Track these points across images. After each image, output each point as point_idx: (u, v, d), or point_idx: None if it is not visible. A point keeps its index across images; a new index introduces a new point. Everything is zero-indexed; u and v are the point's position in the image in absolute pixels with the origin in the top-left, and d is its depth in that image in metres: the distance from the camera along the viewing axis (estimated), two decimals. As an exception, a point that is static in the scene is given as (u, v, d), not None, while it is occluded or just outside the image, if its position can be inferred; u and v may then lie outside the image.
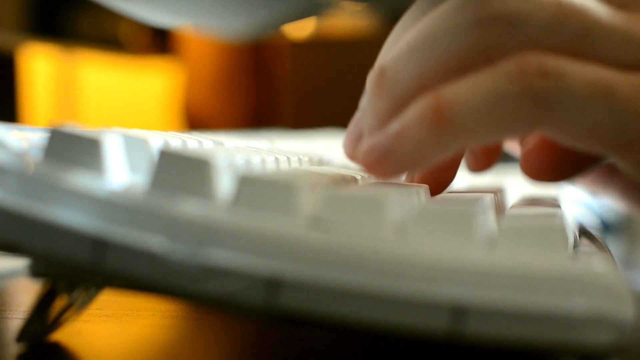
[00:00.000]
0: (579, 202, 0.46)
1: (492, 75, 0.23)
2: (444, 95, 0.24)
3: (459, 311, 0.19)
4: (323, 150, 0.39)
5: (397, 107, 0.25)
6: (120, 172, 0.23)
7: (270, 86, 1.72)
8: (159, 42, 1.75)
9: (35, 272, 0.22)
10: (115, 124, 0.31)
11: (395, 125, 0.24)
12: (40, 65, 1.63)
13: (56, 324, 0.25)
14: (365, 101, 0.26)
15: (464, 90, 0.23)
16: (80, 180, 0.21)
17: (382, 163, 0.24)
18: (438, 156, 0.24)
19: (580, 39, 0.24)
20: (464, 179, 0.40)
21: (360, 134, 0.27)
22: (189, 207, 0.21)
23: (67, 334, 0.26)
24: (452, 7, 0.25)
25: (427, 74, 0.25)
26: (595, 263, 0.20)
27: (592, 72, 0.23)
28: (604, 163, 0.27)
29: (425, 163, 0.24)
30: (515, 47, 0.24)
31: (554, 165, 0.27)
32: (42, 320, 0.25)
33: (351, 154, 0.28)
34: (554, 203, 0.30)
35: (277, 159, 0.27)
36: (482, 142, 0.24)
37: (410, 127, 0.24)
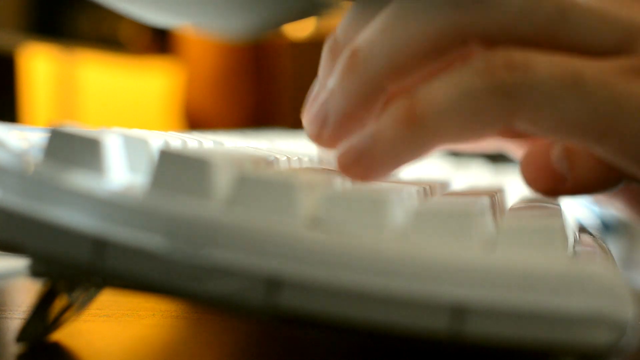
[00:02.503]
0: (579, 202, 0.46)
1: (460, 72, 0.23)
2: (415, 95, 0.24)
3: (459, 311, 0.19)
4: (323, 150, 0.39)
5: (369, 89, 0.25)
6: (120, 172, 0.23)
7: (270, 86, 1.72)
8: (159, 42, 1.75)
9: (35, 272, 0.22)
10: (115, 124, 0.30)
11: (369, 128, 0.24)
12: (40, 65, 1.63)
13: (56, 324, 0.25)
14: (333, 81, 0.26)
15: (434, 88, 0.23)
16: (80, 180, 0.21)
17: (358, 165, 0.24)
18: (413, 156, 0.24)
19: (555, 21, 0.24)
20: (464, 179, 0.40)
21: (326, 115, 0.26)
22: (188, 207, 0.21)
23: (67, 334, 0.26)
24: None
25: (401, 56, 0.24)
26: (595, 263, 0.20)
27: (559, 61, 0.23)
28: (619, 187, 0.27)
29: (401, 164, 0.24)
30: (490, 28, 0.24)
31: (553, 176, 0.28)
32: (42, 320, 0.25)
33: (317, 136, 0.27)
34: (554, 203, 0.30)
35: (277, 159, 0.27)
36: (458, 140, 0.24)
37: (384, 129, 0.24)
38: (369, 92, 0.25)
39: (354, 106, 0.25)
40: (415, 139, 0.24)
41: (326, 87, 0.26)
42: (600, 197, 0.35)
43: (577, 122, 0.23)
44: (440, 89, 0.23)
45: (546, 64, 0.23)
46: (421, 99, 0.23)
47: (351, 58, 0.25)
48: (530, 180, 0.28)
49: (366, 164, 0.24)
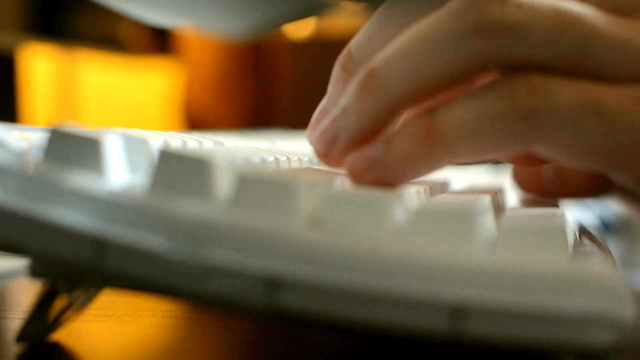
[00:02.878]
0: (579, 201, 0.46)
1: (482, 94, 0.24)
2: (436, 114, 0.24)
3: (459, 311, 0.19)
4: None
5: (385, 111, 0.24)
6: (120, 172, 0.23)
7: (270, 86, 1.72)
8: (159, 42, 1.75)
9: (35, 272, 0.22)
10: (115, 124, 0.31)
11: (385, 138, 0.24)
12: (40, 65, 1.63)
13: (56, 324, 0.25)
14: (346, 99, 0.25)
15: (455, 107, 0.24)
16: (80, 180, 0.21)
17: (369, 173, 0.24)
18: (425, 170, 0.24)
19: (579, 49, 0.24)
20: (464, 179, 0.40)
21: (336, 133, 0.26)
22: (189, 207, 0.21)
23: (67, 334, 0.26)
24: (450, 12, 0.24)
25: (420, 81, 0.24)
26: (595, 263, 0.20)
27: (580, 88, 0.23)
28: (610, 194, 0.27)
29: (411, 177, 0.24)
30: (513, 57, 0.24)
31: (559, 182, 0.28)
32: (42, 320, 0.25)
33: (324, 155, 0.26)
34: (554, 203, 0.30)
35: (277, 159, 0.27)
36: (474, 157, 0.24)
37: (400, 141, 0.24)
38: (384, 114, 0.24)
39: (367, 127, 0.25)
40: (430, 154, 0.24)
41: (338, 105, 0.26)
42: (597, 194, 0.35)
43: (596, 149, 0.23)
44: (461, 109, 0.24)
45: (567, 90, 0.23)
46: (441, 117, 0.24)
47: (368, 78, 0.25)
48: (523, 186, 0.29)
49: (378, 172, 0.24)
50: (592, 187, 0.27)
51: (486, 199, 0.24)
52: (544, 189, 0.28)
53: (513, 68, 0.24)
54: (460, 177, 0.40)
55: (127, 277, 0.21)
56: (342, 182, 0.25)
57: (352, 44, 0.28)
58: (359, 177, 0.25)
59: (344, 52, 0.28)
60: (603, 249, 0.24)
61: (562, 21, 0.24)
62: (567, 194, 0.28)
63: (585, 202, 0.35)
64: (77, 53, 1.39)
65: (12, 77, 1.11)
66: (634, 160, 0.23)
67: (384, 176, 0.24)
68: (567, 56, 0.24)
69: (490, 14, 0.24)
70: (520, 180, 0.29)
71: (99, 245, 0.21)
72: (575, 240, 0.25)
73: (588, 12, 0.24)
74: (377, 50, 0.26)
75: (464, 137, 0.23)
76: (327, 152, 0.26)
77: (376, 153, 0.24)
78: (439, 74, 0.24)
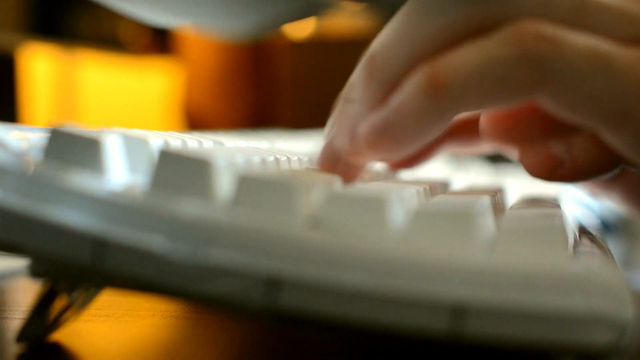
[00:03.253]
0: (579, 202, 0.46)
1: (488, 41, 0.23)
2: (439, 64, 0.23)
3: (459, 311, 0.19)
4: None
5: (390, 91, 0.24)
6: (120, 172, 0.23)
7: (270, 86, 1.72)
8: (159, 42, 1.75)
9: (35, 272, 0.22)
10: (115, 124, 0.31)
11: (393, 101, 0.24)
12: (40, 65, 1.63)
13: (56, 324, 0.25)
14: (356, 92, 0.25)
15: (460, 56, 0.23)
16: (80, 180, 0.21)
17: (384, 140, 0.24)
18: (438, 125, 0.24)
19: (576, 11, 0.24)
20: (464, 179, 0.40)
21: (355, 126, 0.26)
22: (189, 207, 0.21)
23: (67, 334, 0.26)
24: None
25: (419, 52, 0.24)
26: (595, 263, 0.20)
27: (590, 41, 0.23)
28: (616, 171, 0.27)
29: (427, 134, 0.24)
30: (509, 19, 0.24)
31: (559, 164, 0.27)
32: (42, 320, 0.25)
33: (346, 150, 0.26)
34: (554, 203, 0.30)
35: (277, 159, 0.27)
36: (479, 107, 0.24)
37: (408, 99, 0.23)
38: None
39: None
40: (439, 107, 0.23)
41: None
42: (597, 188, 0.35)
43: (601, 104, 0.23)
44: (465, 57, 0.23)
45: (577, 41, 0.23)
46: (445, 67, 0.23)
47: (369, 64, 0.25)
48: (529, 165, 0.28)
49: (392, 137, 0.24)
50: (603, 160, 0.27)
51: (486, 199, 0.24)
52: (553, 167, 0.28)
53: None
54: (460, 177, 0.40)
55: (127, 277, 0.21)
56: (341, 182, 0.25)
57: (374, 45, 0.28)
58: (376, 146, 0.24)
59: (367, 54, 0.28)
60: (603, 249, 0.24)
61: None
62: (576, 170, 0.27)
63: (593, 188, 0.35)
64: (77, 53, 1.39)
65: (12, 77, 1.11)
66: (635, 118, 0.23)
67: (400, 139, 0.24)
68: (564, 18, 0.24)
69: None
70: (530, 164, 0.28)
71: (99, 245, 0.21)
72: (575, 240, 0.25)
73: None
74: (398, 53, 0.26)
75: (471, 85, 0.23)
76: (348, 147, 0.26)
77: (386, 118, 0.24)
78: (435, 42, 0.24)
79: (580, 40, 0.23)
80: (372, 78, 0.25)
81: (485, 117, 0.28)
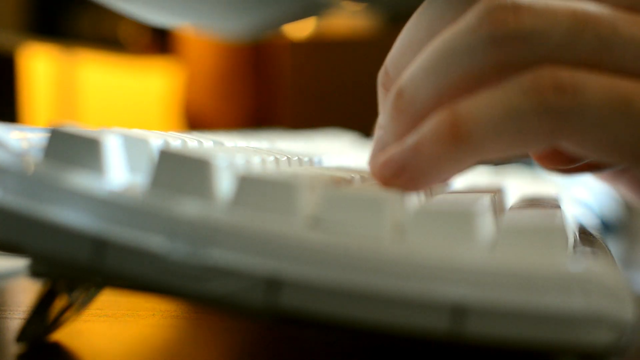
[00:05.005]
0: (579, 202, 0.46)
1: (507, 90, 0.23)
2: (459, 111, 0.24)
3: (459, 311, 0.19)
4: (323, 151, 0.39)
5: (415, 125, 0.25)
6: (120, 172, 0.23)
7: (270, 86, 1.72)
8: (159, 42, 1.75)
9: (35, 272, 0.22)
10: (115, 124, 0.31)
11: (411, 140, 0.24)
12: (40, 65, 1.63)
13: (56, 324, 0.25)
14: (384, 122, 0.26)
15: (480, 105, 0.23)
16: (80, 180, 0.21)
17: (399, 177, 0.24)
18: (454, 171, 0.24)
19: (597, 50, 0.24)
20: (464, 179, 0.40)
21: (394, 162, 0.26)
22: (189, 207, 0.21)
23: (67, 334, 0.26)
24: (466, 25, 0.24)
25: (444, 92, 0.24)
26: (595, 263, 0.20)
27: (608, 83, 0.23)
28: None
29: (442, 178, 0.24)
30: (531, 63, 0.24)
31: (568, 157, 0.27)
32: (42, 320, 0.25)
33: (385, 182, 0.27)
34: (554, 203, 0.30)
35: (277, 159, 0.27)
36: (498, 155, 0.24)
37: (426, 143, 0.24)
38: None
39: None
40: (458, 156, 0.24)
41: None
42: (605, 178, 0.35)
43: (625, 145, 0.23)
44: (485, 106, 0.23)
45: (595, 85, 0.23)
46: (465, 115, 0.23)
47: (397, 99, 0.25)
48: (540, 159, 0.28)
49: (408, 177, 0.24)
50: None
51: (486, 199, 0.24)
52: (566, 166, 0.28)
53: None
54: (460, 177, 0.40)
55: (127, 277, 0.21)
56: (341, 182, 0.25)
57: (387, 60, 0.28)
58: (390, 182, 0.25)
59: (382, 70, 0.28)
60: (603, 249, 0.24)
61: (578, 22, 0.24)
62: (590, 168, 0.27)
63: (601, 178, 0.35)
64: (77, 53, 1.39)
65: (12, 77, 1.11)
66: None
67: (416, 180, 0.24)
68: (586, 56, 0.24)
69: (504, 23, 0.23)
70: (541, 159, 0.28)
71: (99, 245, 0.21)
72: (575, 240, 0.25)
73: (605, 11, 0.24)
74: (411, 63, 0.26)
75: (491, 136, 0.23)
76: (388, 180, 0.26)
77: (404, 157, 0.24)
78: (460, 85, 0.24)
79: (599, 82, 0.23)
80: (399, 112, 0.25)
81: None
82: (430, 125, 0.24)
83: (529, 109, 0.23)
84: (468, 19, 0.24)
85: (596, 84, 0.23)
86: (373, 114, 0.30)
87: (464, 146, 0.23)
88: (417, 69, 0.25)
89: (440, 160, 0.24)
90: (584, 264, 0.19)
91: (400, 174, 0.24)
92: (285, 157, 0.28)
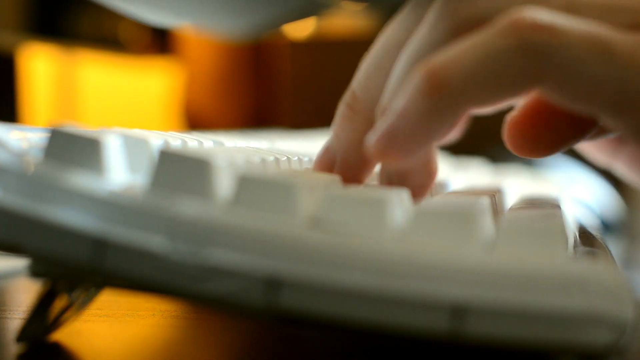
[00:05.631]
0: (579, 202, 0.46)
1: (484, 35, 0.23)
2: (434, 62, 0.23)
3: (459, 311, 0.19)
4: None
5: (451, 115, 0.24)
6: (120, 172, 0.23)
7: (270, 86, 1.72)
8: (159, 42, 1.74)
9: (35, 272, 0.22)
10: (115, 124, 0.31)
11: (396, 104, 0.24)
12: (40, 65, 1.63)
13: (56, 324, 0.25)
14: (335, 127, 0.26)
15: (456, 53, 0.23)
16: (80, 180, 0.21)
17: (393, 148, 0.24)
18: (444, 126, 0.24)
19: (570, 4, 0.24)
20: (463, 179, 0.40)
21: (332, 159, 0.27)
22: (189, 207, 0.21)
23: (67, 334, 0.26)
24: (428, 27, 0.25)
25: (414, 58, 0.25)
26: (595, 263, 0.20)
27: (589, 28, 0.23)
28: (587, 138, 0.27)
29: (434, 136, 0.24)
30: (503, 10, 0.24)
31: (538, 139, 0.27)
32: (42, 320, 0.25)
33: (360, 161, 0.27)
34: (554, 203, 0.30)
35: (277, 159, 0.27)
36: (482, 104, 0.23)
37: (410, 103, 0.23)
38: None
39: (360, 140, 0.25)
40: (442, 105, 0.23)
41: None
42: (602, 156, 0.35)
43: (602, 90, 0.23)
44: (461, 52, 0.23)
45: (575, 28, 0.23)
46: (441, 64, 0.23)
47: (352, 100, 0.26)
48: (514, 144, 0.28)
49: (400, 144, 0.24)
50: (583, 127, 0.26)
51: (485, 200, 0.24)
52: (537, 144, 0.27)
53: (511, 6, 0.24)
54: (460, 177, 0.40)
55: (127, 277, 0.21)
56: (341, 182, 0.25)
57: (355, 83, 0.28)
58: (386, 155, 0.24)
59: (348, 92, 0.28)
60: (603, 249, 0.24)
61: None
62: (561, 142, 0.27)
63: (596, 156, 0.35)
64: (77, 53, 1.39)
65: (12, 77, 1.11)
66: (637, 104, 0.23)
67: (408, 145, 0.24)
68: (561, 6, 0.24)
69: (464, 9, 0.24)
70: (512, 137, 0.28)
71: (99, 245, 0.21)
72: (575, 240, 0.25)
73: None
74: (379, 87, 0.27)
75: (471, 80, 0.23)
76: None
77: (391, 126, 0.24)
78: (431, 46, 0.25)
79: (579, 26, 0.23)
80: (353, 111, 0.26)
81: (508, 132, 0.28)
82: (410, 85, 0.24)
83: (508, 48, 0.23)
84: (430, 16, 0.25)
85: (576, 26, 0.23)
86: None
87: (445, 94, 0.23)
88: (364, 67, 0.26)
89: (426, 117, 0.23)
90: (584, 264, 0.19)
91: (393, 143, 0.24)
92: (285, 157, 0.28)
